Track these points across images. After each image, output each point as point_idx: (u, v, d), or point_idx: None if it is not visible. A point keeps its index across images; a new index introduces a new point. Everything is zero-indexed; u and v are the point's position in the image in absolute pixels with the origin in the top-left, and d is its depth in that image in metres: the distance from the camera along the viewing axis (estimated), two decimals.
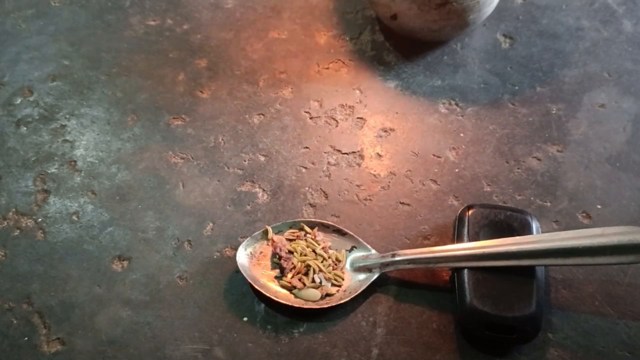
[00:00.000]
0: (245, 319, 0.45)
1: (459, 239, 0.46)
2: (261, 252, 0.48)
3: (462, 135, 0.54)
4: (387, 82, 0.58)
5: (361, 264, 0.47)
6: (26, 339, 0.45)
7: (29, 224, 0.50)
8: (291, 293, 0.46)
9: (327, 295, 0.46)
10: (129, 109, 0.56)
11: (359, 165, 0.53)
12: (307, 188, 0.51)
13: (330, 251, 0.48)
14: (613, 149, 0.53)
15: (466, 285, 0.43)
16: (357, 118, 0.56)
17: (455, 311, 0.45)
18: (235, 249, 0.48)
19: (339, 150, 0.53)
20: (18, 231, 0.50)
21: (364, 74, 0.59)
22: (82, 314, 0.46)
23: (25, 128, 0.55)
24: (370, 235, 0.49)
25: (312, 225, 0.49)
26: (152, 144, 0.54)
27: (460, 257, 0.43)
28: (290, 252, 0.47)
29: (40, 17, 0.62)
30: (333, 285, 0.46)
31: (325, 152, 0.53)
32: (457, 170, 0.52)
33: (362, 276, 0.46)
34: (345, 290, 0.46)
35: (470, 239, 0.45)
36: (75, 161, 0.53)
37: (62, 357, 0.44)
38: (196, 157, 0.53)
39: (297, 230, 0.49)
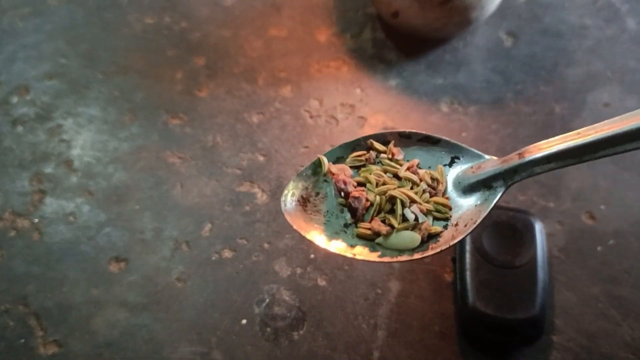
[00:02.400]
0: (244, 321, 0.45)
1: (461, 240, 0.45)
2: (318, 194, 0.35)
3: (464, 134, 0.54)
4: (388, 80, 0.57)
5: (473, 180, 0.33)
6: (22, 341, 0.44)
7: (25, 224, 0.49)
8: (376, 244, 0.34)
9: (431, 236, 0.33)
10: (126, 108, 0.55)
11: None
12: None
13: (421, 171, 0.35)
14: None
15: (468, 286, 0.43)
16: (358, 117, 0.55)
17: (457, 313, 0.44)
18: (235, 250, 0.47)
19: None
20: (14, 232, 0.49)
21: (365, 72, 0.58)
22: (79, 316, 0.45)
23: (21, 127, 0.54)
24: None
25: (385, 140, 0.36)
26: (150, 144, 0.53)
27: (623, 135, 0.28)
28: (361, 185, 0.35)
29: (37, 15, 0.62)
30: (436, 220, 0.34)
31: (325, 152, 0.53)
32: None
33: (477, 198, 0.33)
34: (456, 225, 0.33)
35: (473, 241, 0.45)
36: (71, 161, 0.52)
37: (59, 359, 0.44)
38: (194, 156, 0.52)
39: (364, 152, 0.36)
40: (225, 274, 0.47)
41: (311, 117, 0.55)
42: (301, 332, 0.44)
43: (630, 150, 0.28)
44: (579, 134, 0.29)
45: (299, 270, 0.47)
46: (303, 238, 0.34)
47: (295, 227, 0.34)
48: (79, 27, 0.61)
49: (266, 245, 0.48)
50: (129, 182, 0.51)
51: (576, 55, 0.59)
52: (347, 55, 0.59)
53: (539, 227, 0.45)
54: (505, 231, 0.45)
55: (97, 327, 0.45)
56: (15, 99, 0.56)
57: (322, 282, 0.46)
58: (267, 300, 0.45)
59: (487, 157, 0.34)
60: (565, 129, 0.54)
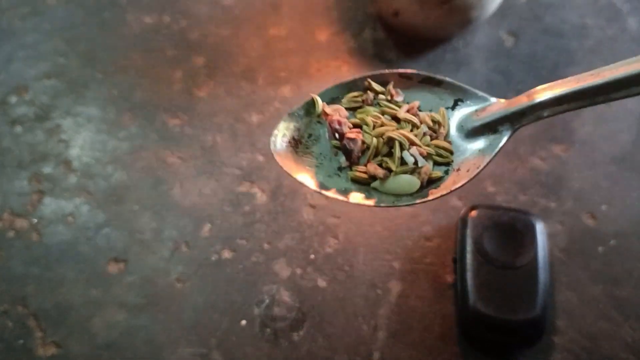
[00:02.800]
0: (244, 322, 0.44)
1: (461, 240, 0.45)
2: (310, 136, 0.33)
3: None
4: None
5: (477, 124, 0.32)
6: (21, 342, 0.44)
7: (24, 225, 0.49)
8: (371, 188, 0.32)
9: (431, 181, 0.32)
10: (125, 108, 0.55)
11: None
12: (306, 188, 0.50)
13: (422, 113, 0.33)
14: (618, 148, 0.52)
15: (469, 287, 0.43)
16: None
17: (457, 314, 0.44)
18: (234, 250, 0.47)
19: None
20: (13, 232, 0.49)
21: (366, 71, 0.57)
22: (77, 317, 0.45)
23: (20, 127, 0.54)
24: (371, 236, 0.48)
25: (383, 81, 0.34)
26: (149, 144, 0.53)
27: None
28: (357, 127, 0.33)
29: (35, 14, 0.61)
30: (437, 164, 0.32)
31: None
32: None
33: (481, 142, 0.32)
34: (458, 170, 0.31)
35: (474, 242, 0.44)
36: (70, 161, 0.52)
37: None
38: (193, 156, 0.52)
39: (360, 93, 0.34)
40: (224, 274, 0.46)
41: None
42: (301, 333, 0.44)
43: None
44: (593, 74, 0.28)
45: (298, 271, 0.46)
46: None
47: (284, 168, 0.32)
48: (78, 26, 0.61)
49: (266, 246, 0.48)
50: (128, 182, 0.51)
51: (577, 55, 0.58)
52: (348, 55, 0.59)
53: (539, 228, 0.45)
54: (506, 232, 0.45)
55: (96, 328, 0.45)
56: (13, 99, 0.56)
57: (322, 283, 0.46)
58: (267, 301, 0.45)
59: (492, 99, 0.32)
60: (565, 128, 0.53)
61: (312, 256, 0.47)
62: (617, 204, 0.49)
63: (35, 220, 0.49)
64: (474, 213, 0.46)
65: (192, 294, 0.46)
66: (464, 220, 0.46)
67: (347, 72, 0.58)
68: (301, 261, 0.47)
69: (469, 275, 0.43)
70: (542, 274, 0.43)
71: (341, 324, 0.44)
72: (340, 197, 0.31)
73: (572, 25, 0.61)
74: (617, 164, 0.51)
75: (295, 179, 0.32)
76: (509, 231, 0.45)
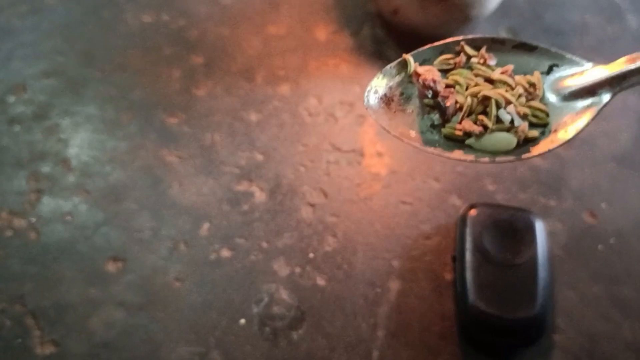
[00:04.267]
0: (242, 321, 0.44)
1: (461, 239, 0.45)
2: (402, 94, 0.34)
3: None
4: None
5: (575, 88, 0.32)
6: (19, 340, 0.44)
7: (22, 224, 0.49)
8: (466, 145, 0.32)
9: (527, 141, 0.31)
10: (124, 107, 0.55)
11: (359, 163, 0.52)
12: (305, 187, 0.50)
13: (517, 76, 0.33)
14: (618, 147, 0.52)
15: (468, 286, 0.42)
16: (358, 115, 0.54)
17: (457, 313, 0.44)
18: (233, 249, 0.47)
19: (338, 148, 0.52)
20: (11, 231, 0.49)
21: (365, 69, 0.58)
22: (76, 316, 0.45)
23: (18, 126, 0.54)
24: (370, 235, 0.48)
25: (476, 45, 0.34)
26: (147, 142, 0.53)
27: None
28: (449, 87, 0.33)
29: (34, 13, 0.61)
30: (533, 125, 0.32)
31: (324, 150, 0.52)
32: (459, 168, 0.51)
33: (579, 103, 0.31)
34: (555, 131, 0.31)
35: (473, 240, 0.44)
36: (69, 160, 0.52)
37: (55, 359, 0.43)
38: (192, 155, 0.52)
39: (453, 55, 0.34)
40: (223, 273, 0.46)
41: (310, 115, 0.54)
42: (300, 332, 0.44)
43: None
44: None
45: (297, 270, 0.46)
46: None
47: (379, 123, 0.32)
48: (76, 25, 0.61)
49: (265, 245, 0.47)
50: (127, 181, 0.51)
51: (577, 53, 0.58)
52: (347, 53, 0.59)
53: (539, 226, 0.45)
54: (505, 230, 0.44)
55: (94, 327, 0.44)
56: (12, 98, 0.56)
57: (321, 282, 0.46)
58: (266, 299, 0.45)
59: (589, 64, 0.32)
60: None
61: (311, 255, 0.47)
62: (617, 202, 0.49)
63: (34, 219, 0.49)
64: (473, 211, 0.46)
65: (190, 293, 0.45)
66: (463, 219, 0.46)
67: (346, 70, 0.57)
68: (300, 260, 0.47)
69: (469, 274, 0.43)
70: (542, 273, 0.43)
71: (340, 323, 0.44)
72: (442, 154, 0.31)
73: (573, 23, 0.61)
74: (617, 163, 0.51)
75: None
76: (509, 229, 0.44)
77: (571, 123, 0.31)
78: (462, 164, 0.51)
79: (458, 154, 0.32)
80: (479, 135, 0.31)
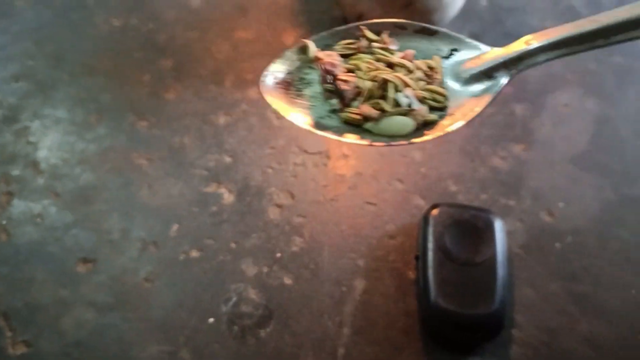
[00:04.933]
0: (211, 320, 0.45)
1: (423, 238, 0.46)
2: (302, 79, 0.33)
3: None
4: None
5: (474, 71, 0.32)
6: None
7: None
8: (364, 130, 0.32)
9: (426, 124, 0.32)
10: (93, 110, 0.55)
11: (325, 165, 0.53)
12: (273, 188, 0.51)
13: (416, 60, 0.33)
14: (576, 148, 0.54)
15: (430, 284, 0.44)
16: None
17: (420, 310, 0.45)
18: (202, 250, 0.48)
19: (305, 151, 0.53)
20: None
21: None
22: (47, 316, 0.45)
23: None
24: (336, 235, 0.49)
25: (378, 30, 0.34)
26: (117, 145, 0.53)
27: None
28: (351, 72, 0.33)
29: (3, 16, 0.61)
30: (432, 109, 0.32)
31: (291, 152, 0.53)
32: (423, 169, 0.53)
33: (477, 88, 0.32)
34: (452, 114, 0.32)
35: (436, 239, 0.46)
36: (38, 162, 0.52)
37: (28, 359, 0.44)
38: (161, 158, 0.53)
39: (354, 40, 0.34)
40: (192, 273, 0.47)
41: (277, 118, 0.55)
42: (268, 330, 0.45)
43: None
44: (590, 20, 0.28)
45: (265, 269, 0.47)
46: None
47: (274, 106, 0.32)
48: (46, 28, 0.61)
49: (233, 245, 0.48)
50: (96, 183, 0.51)
51: None
52: None
53: (499, 225, 0.46)
54: (466, 230, 0.46)
55: (65, 327, 0.45)
56: None
57: (288, 281, 0.47)
58: (234, 299, 0.46)
59: (486, 48, 0.33)
60: (526, 129, 0.55)
61: (279, 255, 0.48)
62: (574, 201, 0.51)
63: (4, 221, 0.49)
64: (435, 211, 0.47)
65: (160, 293, 0.46)
66: (426, 219, 0.47)
67: None
68: (268, 260, 0.48)
69: (431, 272, 0.44)
70: (501, 270, 0.44)
71: (307, 321, 0.45)
72: (335, 137, 0.31)
73: (533, 28, 0.62)
74: (575, 163, 0.53)
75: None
76: (469, 229, 0.46)
77: (469, 106, 0.32)
78: (425, 166, 0.53)
79: (353, 137, 0.31)
80: (377, 119, 0.31)
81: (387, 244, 0.49)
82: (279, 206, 0.51)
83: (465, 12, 0.62)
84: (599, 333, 0.45)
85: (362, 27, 0.34)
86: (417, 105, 0.31)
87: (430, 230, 0.46)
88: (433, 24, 0.56)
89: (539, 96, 0.57)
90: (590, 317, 0.46)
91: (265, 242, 0.49)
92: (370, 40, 0.34)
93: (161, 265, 0.47)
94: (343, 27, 0.34)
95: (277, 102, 0.33)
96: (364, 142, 0.31)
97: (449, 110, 0.32)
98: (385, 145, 0.31)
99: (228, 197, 0.51)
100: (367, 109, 0.31)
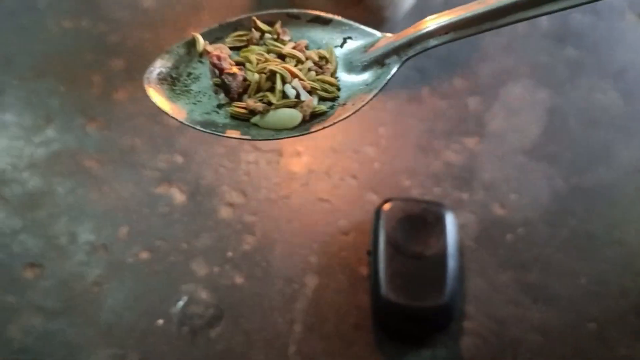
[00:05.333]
0: (160, 321, 0.45)
1: (375, 233, 0.46)
2: (190, 74, 0.32)
3: (381, 130, 0.55)
4: None
5: (365, 59, 0.31)
6: None
7: None
8: (251, 125, 0.31)
9: (315, 116, 0.31)
10: (42, 113, 0.54)
11: (277, 162, 0.53)
12: (225, 187, 0.51)
13: (308, 51, 0.32)
14: (527, 140, 0.55)
15: (381, 278, 0.44)
16: None
17: (372, 304, 0.45)
18: (152, 251, 0.48)
19: (258, 149, 0.53)
20: None
21: None
22: None
23: None
24: (288, 232, 0.49)
25: (271, 21, 0.33)
26: (67, 148, 0.53)
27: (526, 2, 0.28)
28: (241, 65, 0.31)
29: None
30: (323, 100, 0.31)
31: (244, 151, 0.53)
32: (376, 165, 0.53)
33: (369, 77, 0.31)
34: (344, 104, 0.31)
35: (387, 234, 0.46)
36: None
37: None
38: (112, 160, 0.52)
39: (246, 32, 0.33)
40: (142, 275, 0.47)
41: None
42: (218, 329, 0.45)
43: (531, 17, 0.27)
44: (479, 2, 0.28)
45: (216, 269, 0.47)
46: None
47: (154, 100, 0.31)
48: None
49: (184, 245, 0.48)
50: (45, 187, 0.51)
51: (490, 51, 0.60)
52: None
53: (450, 218, 0.47)
54: (417, 223, 0.46)
55: (12, 334, 0.44)
56: None
57: (239, 280, 0.47)
58: (185, 299, 0.46)
59: (380, 34, 0.32)
60: (478, 122, 0.55)
61: (230, 254, 0.48)
62: (525, 193, 0.52)
63: None
64: (387, 206, 0.47)
65: (109, 297, 0.46)
66: (377, 214, 0.47)
67: None
68: (219, 259, 0.48)
69: (382, 266, 0.44)
70: (451, 263, 0.44)
71: (258, 320, 0.45)
72: (216, 133, 0.30)
73: None
74: (526, 155, 0.54)
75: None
76: (420, 223, 0.46)
77: (360, 95, 0.31)
78: (379, 161, 0.53)
79: (234, 133, 0.30)
80: (263, 112, 0.30)
81: (340, 240, 0.49)
82: (231, 205, 0.50)
83: (418, 8, 0.62)
84: (548, 321, 0.45)
85: (254, 17, 0.33)
86: (305, 97, 0.30)
87: (382, 225, 0.46)
88: (385, 20, 0.56)
89: (492, 89, 0.58)
90: (540, 305, 0.46)
91: (217, 241, 0.48)
92: (263, 32, 0.33)
93: (110, 269, 0.47)
94: (234, 18, 0.33)
95: (158, 97, 0.31)
96: (246, 137, 0.30)
97: (340, 101, 0.31)
98: (270, 139, 0.30)
99: (179, 197, 0.51)
100: (252, 103, 0.30)
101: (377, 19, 0.56)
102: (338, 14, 0.55)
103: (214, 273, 0.47)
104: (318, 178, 0.52)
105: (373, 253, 0.46)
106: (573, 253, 0.48)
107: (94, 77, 0.57)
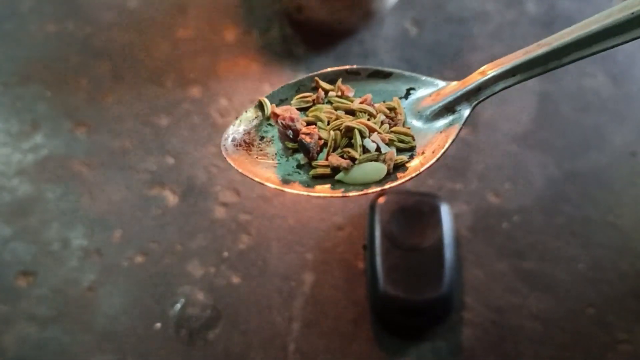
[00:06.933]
0: (158, 325, 0.44)
1: (370, 227, 0.46)
2: (262, 138, 0.32)
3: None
4: (297, 74, 0.58)
5: (435, 107, 0.32)
6: None
7: None
8: (336, 182, 0.31)
9: (397, 167, 0.31)
10: (29, 119, 0.54)
11: None
12: (218, 187, 0.51)
13: (376, 104, 0.32)
14: (519, 128, 0.54)
15: (378, 272, 0.44)
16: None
17: (369, 299, 0.45)
18: (146, 254, 0.47)
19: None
20: None
21: (274, 68, 0.58)
22: None
23: None
24: (284, 230, 0.49)
25: (331, 79, 0.33)
26: (55, 154, 0.52)
27: (586, 39, 0.29)
28: (311, 124, 0.32)
29: None
30: (400, 150, 0.31)
31: None
32: None
33: (441, 124, 0.32)
34: (423, 153, 0.31)
35: (382, 227, 0.45)
36: None
37: None
38: (102, 163, 0.52)
39: (309, 94, 0.33)
40: (137, 279, 0.46)
41: (221, 115, 0.55)
42: (216, 331, 0.44)
43: (595, 53, 0.29)
44: (539, 45, 0.29)
45: (212, 270, 0.47)
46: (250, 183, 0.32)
47: (240, 170, 0.31)
48: None
49: (178, 247, 0.48)
50: (35, 194, 0.50)
51: (479, 40, 0.60)
52: (256, 53, 0.59)
53: (445, 210, 0.46)
54: (412, 216, 0.46)
55: (6, 344, 0.44)
56: None
57: (236, 280, 0.46)
58: (181, 302, 0.45)
59: (443, 83, 0.32)
60: (471, 113, 0.55)
61: (226, 254, 0.47)
62: (519, 181, 0.51)
63: None
64: (382, 199, 0.47)
65: (104, 302, 0.45)
66: (372, 207, 0.47)
67: (256, 69, 0.58)
68: (214, 260, 0.47)
69: (378, 260, 0.44)
70: (448, 254, 0.44)
71: (256, 319, 0.45)
72: (307, 193, 0.30)
73: (473, 11, 0.62)
74: (519, 143, 0.53)
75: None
76: (415, 215, 0.46)
77: (437, 142, 0.31)
78: None
79: (326, 190, 0.30)
80: (348, 169, 0.30)
81: (336, 235, 0.49)
82: (225, 205, 0.50)
83: (404, 1, 0.61)
84: (547, 308, 0.45)
85: (316, 78, 0.33)
86: (385, 149, 0.30)
87: (377, 218, 0.46)
88: (373, 12, 0.56)
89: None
90: (538, 292, 0.46)
91: (212, 242, 0.48)
92: (326, 90, 0.33)
93: (104, 273, 0.46)
94: (296, 79, 0.33)
95: (243, 165, 0.31)
96: (337, 193, 0.30)
97: (418, 149, 0.31)
98: (360, 195, 0.30)
99: (172, 199, 0.50)
100: (337, 160, 0.30)
101: (364, 12, 0.56)
102: (324, 9, 0.55)
103: (210, 274, 0.46)
104: None
105: (369, 247, 0.45)
106: (569, 239, 0.48)
107: (81, 80, 0.56)
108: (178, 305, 0.45)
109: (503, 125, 0.54)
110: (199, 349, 0.43)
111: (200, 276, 0.46)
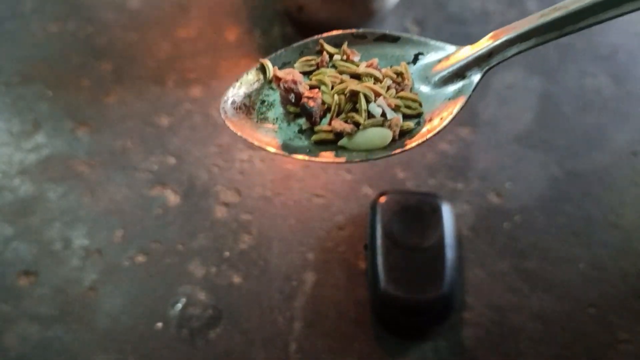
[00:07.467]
0: (159, 324, 0.44)
1: (371, 226, 0.46)
2: (263, 102, 0.31)
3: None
4: None
5: (444, 73, 0.31)
6: None
7: None
8: (339, 147, 0.30)
9: (403, 134, 0.30)
10: (31, 119, 0.54)
11: (272, 160, 0.52)
12: (219, 187, 0.51)
13: (383, 68, 0.31)
14: (521, 127, 0.54)
15: (379, 271, 0.43)
16: None
17: (370, 299, 0.45)
18: (148, 254, 0.47)
19: (251, 147, 0.53)
20: None
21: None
22: None
23: None
24: (285, 230, 0.49)
25: (336, 43, 0.32)
26: (57, 153, 0.52)
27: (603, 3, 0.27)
28: (314, 88, 0.31)
29: None
30: (406, 117, 0.30)
31: (237, 149, 0.53)
32: None
33: (450, 90, 0.31)
34: (430, 119, 0.30)
35: (383, 227, 0.45)
36: None
37: None
38: (104, 163, 0.52)
39: (313, 57, 0.32)
40: (139, 278, 0.46)
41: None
42: (217, 330, 0.44)
43: (611, 18, 0.27)
44: (555, 8, 0.28)
45: (213, 269, 0.47)
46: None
47: (240, 134, 0.30)
48: None
49: (180, 247, 0.48)
50: (36, 193, 0.50)
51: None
52: (258, 53, 0.59)
53: (446, 209, 0.46)
54: (413, 215, 0.46)
55: (8, 343, 0.44)
56: None
57: (237, 280, 0.46)
58: (183, 301, 0.45)
59: (452, 47, 0.31)
60: (471, 111, 0.55)
61: (227, 254, 0.47)
62: (520, 180, 0.51)
63: None
64: (382, 199, 0.47)
65: (105, 302, 0.45)
66: (373, 207, 0.47)
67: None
68: (216, 260, 0.47)
69: (379, 260, 0.44)
70: (449, 253, 0.44)
71: (257, 319, 0.45)
72: (308, 158, 0.29)
73: (474, 11, 0.63)
74: (520, 142, 0.53)
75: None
76: (416, 214, 0.46)
77: (445, 109, 0.30)
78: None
79: (328, 156, 0.30)
80: (352, 134, 0.29)
81: (337, 235, 0.49)
82: (226, 204, 0.50)
83: (406, 0, 0.61)
84: (548, 308, 0.45)
85: (321, 40, 0.32)
86: (391, 114, 0.30)
87: (378, 218, 0.46)
88: (374, 12, 0.56)
89: (483, 78, 0.57)
90: (539, 292, 0.46)
91: (213, 241, 0.48)
92: (331, 54, 0.32)
93: (106, 273, 0.46)
94: (300, 42, 0.33)
95: (243, 129, 0.30)
96: (341, 159, 0.29)
97: (425, 116, 0.30)
98: (363, 161, 0.29)
99: (173, 199, 0.50)
100: (340, 125, 0.29)
101: (366, 11, 0.56)
102: (325, 7, 0.55)
103: (211, 274, 0.46)
104: (312, 174, 0.52)
105: (370, 247, 0.45)
106: (571, 238, 0.48)
107: (82, 80, 0.56)
108: (179, 305, 0.45)
109: (504, 124, 0.54)
110: (200, 349, 0.43)
111: (201, 276, 0.46)
